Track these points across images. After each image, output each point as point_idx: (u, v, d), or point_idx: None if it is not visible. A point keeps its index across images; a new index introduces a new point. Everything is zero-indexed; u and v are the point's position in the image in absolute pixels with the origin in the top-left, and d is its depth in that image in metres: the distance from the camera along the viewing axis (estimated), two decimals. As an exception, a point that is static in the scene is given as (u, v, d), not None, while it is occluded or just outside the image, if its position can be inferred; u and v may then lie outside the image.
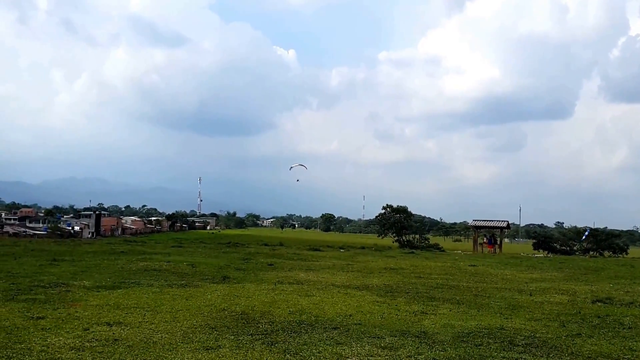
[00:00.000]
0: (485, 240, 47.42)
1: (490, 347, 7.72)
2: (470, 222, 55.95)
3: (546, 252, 50.13)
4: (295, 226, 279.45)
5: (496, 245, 45.15)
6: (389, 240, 62.31)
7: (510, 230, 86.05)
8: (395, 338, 8.06)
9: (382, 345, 7.58)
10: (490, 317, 10.31)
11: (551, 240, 53.76)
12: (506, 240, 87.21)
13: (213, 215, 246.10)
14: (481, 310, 11.11)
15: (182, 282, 13.79)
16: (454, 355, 7.17)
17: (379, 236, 68.00)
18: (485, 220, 48.87)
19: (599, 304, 12.48)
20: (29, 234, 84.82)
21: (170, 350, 6.93)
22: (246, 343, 7.46)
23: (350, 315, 9.77)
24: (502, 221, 48.01)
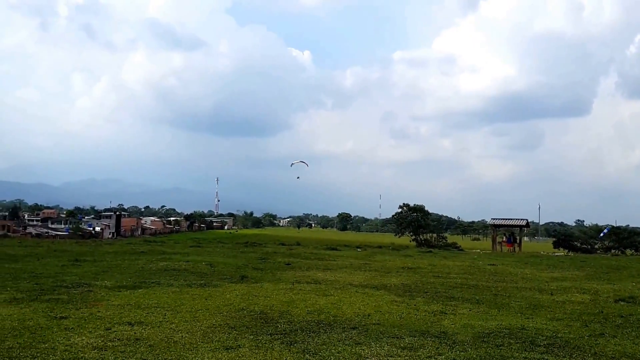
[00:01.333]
0: (504, 239, 47.02)
1: (512, 348, 7.66)
2: (488, 220, 55.52)
3: (567, 250, 49.73)
4: (311, 226, 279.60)
5: (515, 244, 44.75)
6: (406, 239, 62.18)
7: (529, 228, 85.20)
8: (415, 338, 8.03)
9: (402, 345, 7.56)
10: (511, 317, 10.23)
11: (571, 239, 53.28)
12: (525, 238, 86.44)
13: (230, 215, 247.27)
14: (501, 310, 11.02)
15: (201, 281, 13.88)
16: (474, 356, 7.13)
17: (396, 235, 67.87)
18: (504, 219, 48.46)
19: (622, 303, 12.31)
20: (52, 235, 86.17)
21: (191, 350, 6.99)
22: (265, 343, 7.49)
23: (368, 315, 9.76)
24: (522, 219, 47.58)
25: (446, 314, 10.26)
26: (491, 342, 7.98)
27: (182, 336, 7.70)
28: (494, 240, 47.95)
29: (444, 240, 60.72)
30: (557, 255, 38.79)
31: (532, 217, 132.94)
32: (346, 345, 7.48)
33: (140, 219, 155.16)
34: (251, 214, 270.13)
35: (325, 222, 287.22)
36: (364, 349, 7.29)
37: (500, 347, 7.65)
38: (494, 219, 49.14)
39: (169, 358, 6.61)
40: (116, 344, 7.14)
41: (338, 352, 7.09)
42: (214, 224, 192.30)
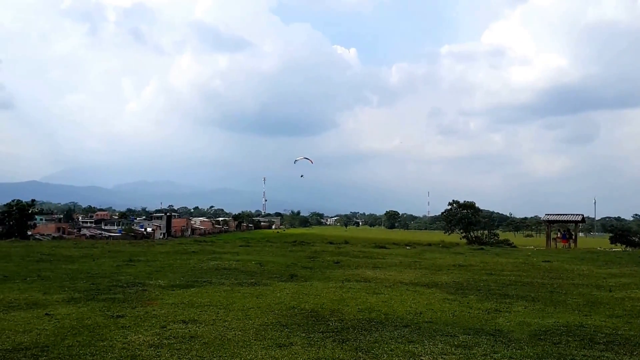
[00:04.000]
0: (559, 235, 45.69)
1: (570, 346, 7.42)
2: (542, 216, 54.05)
3: (624, 245, 47.89)
4: (359, 224, 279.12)
5: (571, 240, 43.39)
6: (456, 236, 61.30)
7: (585, 224, 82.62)
8: (469, 336, 7.87)
9: (456, 343, 7.42)
10: (568, 314, 9.91)
11: (629, 234, 51.32)
12: (581, 234, 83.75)
13: (277, 214, 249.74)
14: (558, 307, 10.69)
15: (252, 280, 14.01)
16: (531, 354, 6.93)
17: (445, 232, 67.06)
18: (558, 215, 47.03)
19: (687, 300, 11.76)
20: (105, 236, 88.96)
21: (244, 347, 7.05)
22: (317, 340, 7.49)
23: (420, 313, 9.62)
24: (577, 215, 46.09)
25: (500, 311, 10.02)
26: (548, 339, 7.75)
27: (235, 334, 7.78)
28: (548, 237, 46.66)
29: (496, 237, 59.61)
30: (614, 250, 37.40)
31: (588, 212, 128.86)
32: (399, 343, 7.40)
33: (190, 219, 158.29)
34: (298, 213, 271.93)
35: (372, 221, 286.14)
36: (417, 347, 7.19)
37: (557, 345, 7.43)
38: (548, 214, 47.75)
39: (223, 355, 6.68)
40: (171, 341, 7.28)
41: (391, 350, 7.01)
42: (262, 223, 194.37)
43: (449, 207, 64.04)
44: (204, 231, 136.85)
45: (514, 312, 9.96)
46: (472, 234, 59.84)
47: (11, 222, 60.04)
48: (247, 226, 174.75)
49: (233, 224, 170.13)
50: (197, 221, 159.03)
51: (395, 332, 8.03)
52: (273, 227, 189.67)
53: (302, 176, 57.62)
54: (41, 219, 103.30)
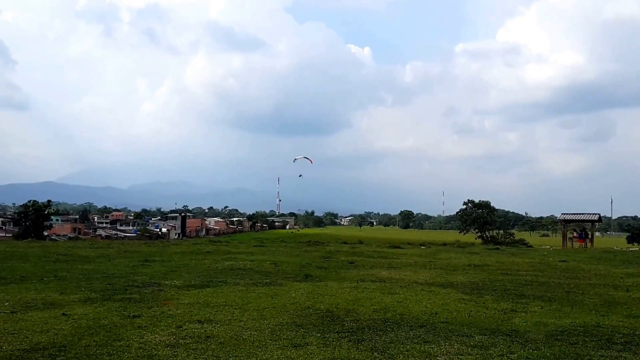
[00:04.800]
0: (575, 235, 45.24)
1: (587, 346, 7.34)
2: (558, 216, 53.56)
3: (642, 245, 47.23)
4: (373, 224, 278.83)
5: (587, 240, 42.95)
6: (471, 236, 60.91)
7: (601, 223, 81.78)
8: (485, 337, 7.81)
9: (472, 343, 7.36)
10: (585, 314, 9.81)
11: (647, 233, 50.57)
12: (597, 234, 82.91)
13: (292, 214, 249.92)
14: (575, 307, 10.59)
15: (267, 280, 14.03)
16: (548, 354, 6.86)
17: (460, 232, 66.67)
18: (574, 214, 46.57)
19: None
20: (121, 236, 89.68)
21: (260, 347, 7.06)
22: (333, 341, 7.47)
23: (436, 313, 9.57)
24: (593, 214, 45.59)
25: (517, 312, 9.94)
26: (565, 340, 7.66)
27: (250, 334, 7.79)
28: (564, 236, 46.21)
29: (512, 237, 59.12)
30: (631, 250, 36.92)
31: (604, 211, 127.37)
32: (415, 343, 7.36)
33: (205, 219, 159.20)
34: (312, 213, 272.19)
35: (387, 220, 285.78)
36: (433, 347, 7.15)
37: (574, 345, 7.35)
38: (564, 214, 47.30)
39: (240, 355, 6.69)
40: (188, 341, 7.31)
41: (407, 350, 6.98)
42: (276, 223, 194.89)
43: (464, 206, 63.71)
44: (219, 231, 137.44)
45: (530, 312, 9.87)
46: (487, 233, 59.46)
47: (27, 223, 60.81)
48: (262, 226, 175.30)
49: (247, 224, 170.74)
50: (211, 221, 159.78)
51: (411, 333, 8.00)
52: (287, 227, 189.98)
53: (300, 176, 57.54)
54: (57, 220, 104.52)
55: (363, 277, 15.28)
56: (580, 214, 46.30)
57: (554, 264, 21.27)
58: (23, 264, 17.80)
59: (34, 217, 60.35)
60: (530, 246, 44.99)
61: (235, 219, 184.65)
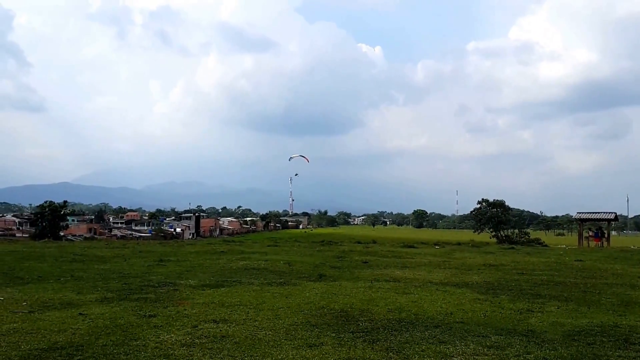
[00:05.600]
0: (591, 234, 44.79)
1: (605, 346, 7.27)
2: (574, 215, 52.99)
3: (660, 244, 46.59)
4: (386, 223, 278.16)
5: (604, 239, 42.51)
6: (485, 236, 60.50)
7: (617, 222, 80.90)
8: (501, 337, 7.76)
9: (488, 344, 7.32)
10: (602, 314, 9.71)
11: (665, 232, 49.90)
12: (614, 233, 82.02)
13: (305, 214, 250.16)
14: (591, 307, 10.48)
15: (281, 280, 14.05)
16: (565, 355, 6.81)
17: (475, 232, 66.27)
18: (590, 213, 46.10)
19: None
20: (136, 236, 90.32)
21: (275, 347, 7.07)
22: (347, 341, 7.46)
23: (451, 313, 9.53)
24: (610, 213, 45.11)
25: (533, 312, 9.86)
26: (582, 340, 7.60)
27: (265, 334, 7.81)
28: (580, 235, 45.77)
29: (527, 236, 58.54)
30: (649, 249, 36.48)
31: (620, 210, 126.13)
32: (430, 343, 7.34)
33: (218, 219, 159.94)
34: (325, 212, 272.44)
35: (400, 220, 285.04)
36: (448, 348, 7.12)
37: (592, 346, 7.28)
38: (579, 212, 46.85)
39: (255, 355, 6.71)
40: (203, 341, 7.34)
41: (422, 351, 6.96)
42: (289, 223, 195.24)
43: (478, 205, 63.31)
44: (232, 231, 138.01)
45: (546, 312, 9.79)
46: (502, 233, 59.01)
47: (44, 223, 61.37)
48: (275, 226, 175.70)
49: (261, 224, 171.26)
50: (225, 221, 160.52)
51: (426, 333, 7.96)
52: (300, 226, 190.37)
53: (296, 175, 57.43)
54: (73, 220, 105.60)
55: (377, 276, 15.24)
56: (596, 212, 45.83)
57: (570, 263, 21.08)
58: (40, 264, 17.98)
59: (50, 218, 60.90)
60: (546, 245, 44.61)
61: (248, 218, 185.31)
